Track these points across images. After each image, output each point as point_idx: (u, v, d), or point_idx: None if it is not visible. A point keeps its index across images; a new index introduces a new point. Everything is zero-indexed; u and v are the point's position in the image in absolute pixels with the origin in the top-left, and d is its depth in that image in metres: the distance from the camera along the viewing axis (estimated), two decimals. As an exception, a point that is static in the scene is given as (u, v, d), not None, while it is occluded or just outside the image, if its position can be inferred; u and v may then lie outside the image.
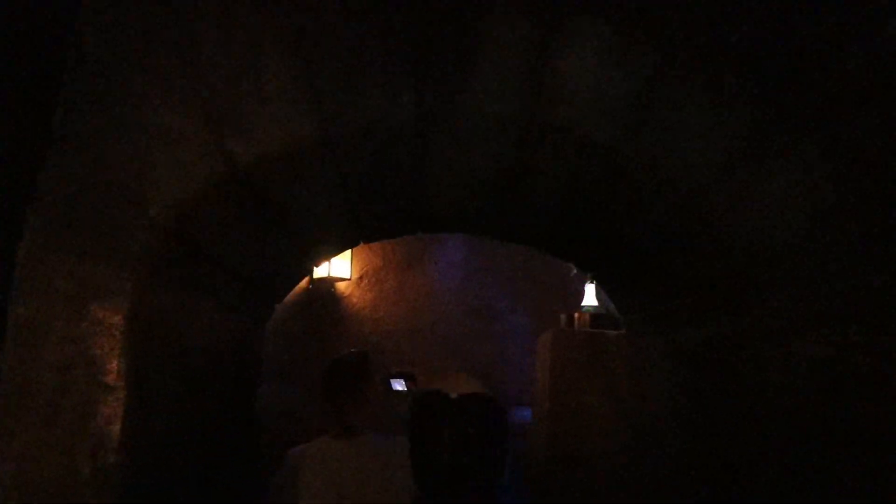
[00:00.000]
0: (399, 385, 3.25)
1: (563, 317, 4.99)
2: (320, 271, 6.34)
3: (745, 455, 2.53)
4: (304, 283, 6.43)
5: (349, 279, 6.55)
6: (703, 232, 2.36)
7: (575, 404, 4.55)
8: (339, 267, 6.35)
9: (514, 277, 7.05)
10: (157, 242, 1.94)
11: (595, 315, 4.87)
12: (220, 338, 2.77)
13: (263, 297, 3.33)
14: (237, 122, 1.95)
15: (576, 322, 4.86)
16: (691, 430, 3.04)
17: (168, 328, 2.19)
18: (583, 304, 5.02)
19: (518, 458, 4.95)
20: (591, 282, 5.03)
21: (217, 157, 1.95)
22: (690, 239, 2.48)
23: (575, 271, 5.11)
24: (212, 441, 2.70)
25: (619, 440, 4.44)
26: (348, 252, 6.47)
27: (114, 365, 1.88)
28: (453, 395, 1.94)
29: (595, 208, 2.73)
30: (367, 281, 6.74)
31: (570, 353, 4.62)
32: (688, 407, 3.07)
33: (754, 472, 2.45)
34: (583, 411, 4.54)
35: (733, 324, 2.64)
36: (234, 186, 2.09)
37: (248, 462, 3.20)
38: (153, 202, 1.90)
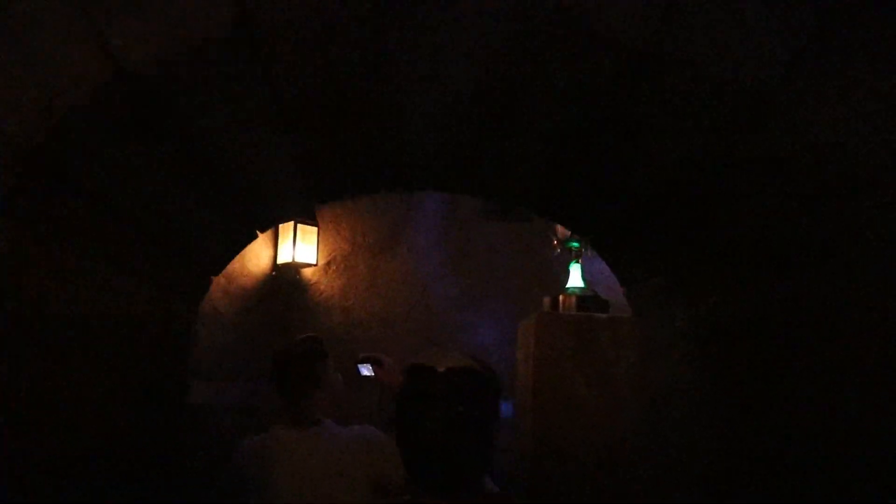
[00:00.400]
0: (366, 370, 3.16)
1: (546, 300, 4.52)
2: (284, 256, 5.84)
3: (808, 453, 2.02)
4: (265, 269, 5.92)
5: (316, 265, 6.03)
6: (757, 156, 1.86)
7: (562, 395, 4.09)
8: (304, 252, 5.85)
9: (492, 262, 6.59)
10: (12, 170, 1.43)
11: (582, 297, 4.40)
12: (123, 311, 2.27)
13: (191, 266, 2.84)
14: (125, 8, 1.44)
15: (561, 305, 4.39)
16: (720, 423, 2.54)
17: (24, 286, 1.67)
18: (567, 285, 4.54)
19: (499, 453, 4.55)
20: (577, 262, 4.55)
21: (99, 57, 1.44)
22: (739, 170, 1.98)
23: (559, 251, 4.63)
24: (110, 433, 2.21)
25: (613, 434, 3.97)
26: (314, 235, 5.97)
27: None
28: (441, 369, 1.82)
29: (606, 140, 2.23)
30: (335, 267, 6.24)
31: (556, 339, 4.16)
32: (714, 395, 2.57)
33: (820, 472, 1.96)
34: (571, 402, 4.08)
35: (804, 283, 2.11)
36: (128, 102, 1.59)
37: (170, 461, 2.81)
38: (7, 114, 1.39)
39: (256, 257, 5.83)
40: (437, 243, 6.50)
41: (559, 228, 4.58)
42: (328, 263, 6.21)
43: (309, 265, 5.98)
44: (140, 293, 2.41)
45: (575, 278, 4.56)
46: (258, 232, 3.19)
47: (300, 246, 5.81)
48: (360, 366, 3.16)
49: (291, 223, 5.79)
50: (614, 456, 4.01)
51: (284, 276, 5.99)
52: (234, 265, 5.57)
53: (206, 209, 2.54)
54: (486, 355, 6.07)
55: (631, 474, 3.88)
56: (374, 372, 3.12)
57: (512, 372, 5.02)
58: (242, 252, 5.65)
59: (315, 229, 5.99)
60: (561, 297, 4.42)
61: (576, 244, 4.55)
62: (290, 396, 2.96)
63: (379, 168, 2.84)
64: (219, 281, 5.41)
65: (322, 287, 6.19)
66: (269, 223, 3.08)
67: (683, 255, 2.68)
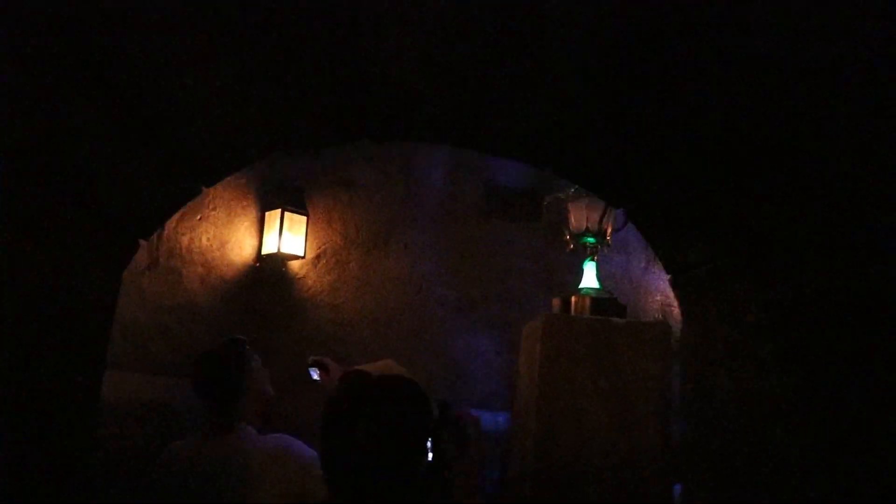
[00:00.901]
0: (315, 374, 2.88)
1: (556, 301, 4.00)
2: (269, 246, 5.32)
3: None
4: (248, 259, 5.38)
5: (303, 258, 5.50)
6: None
7: (571, 407, 3.56)
8: (291, 242, 5.33)
9: (493, 263, 6.08)
10: None
11: (597, 299, 3.88)
12: (25, 280, 1.74)
13: (114, 227, 2.31)
14: None
15: (573, 307, 3.87)
16: (824, 441, 1.97)
17: None
18: (581, 285, 4.01)
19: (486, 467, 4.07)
20: (592, 259, 4.03)
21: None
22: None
23: (572, 247, 4.10)
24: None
25: (628, 453, 3.45)
26: (302, 225, 5.46)
27: None
28: (375, 375, 1.80)
29: (652, 90, 1.71)
30: (325, 261, 5.71)
31: (567, 344, 3.64)
32: (812, 406, 2.00)
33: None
34: (581, 416, 3.55)
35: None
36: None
37: (75, 462, 2.38)
38: None
39: (239, 246, 5.29)
40: (435, 241, 5.99)
41: (573, 222, 4.06)
42: (317, 257, 5.69)
43: (296, 257, 5.46)
44: (46, 259, 1.89)
45: (589, 278, 4.04)
46: (203, 187, 2.66)
47: (287, 236, 5.29)
48: (310, 369, 2.87)
49: (278, 211, 5.28)
50: (627, 477, 3.48)
51: (269, 268, 5.46)
52: (214, 254, 5.05)
53: (137, 158, 2.03)
54: (480, 362, 5.60)
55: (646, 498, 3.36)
56: (320, 377, 2.83)
57: (511, 380, 4.50)
58: (223, 239, 5.15)
59: (304, 219, 5.47)
60: (573, 298, 3.90)
61: (591, 239, 4.04)
62: (210, 402, 2.75)
63: (354, 112, 2.31)
64: (196, 270, 4.89)
65: (310, 282, 5.66)
66: (216, 175, 2.56)
67: (755, 230, 2.14)
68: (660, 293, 6.19)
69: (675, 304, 6.31)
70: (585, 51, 1.77)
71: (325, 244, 5.73)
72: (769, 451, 2.12)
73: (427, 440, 1.76)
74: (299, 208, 5.42)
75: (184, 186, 2.52)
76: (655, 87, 1.87)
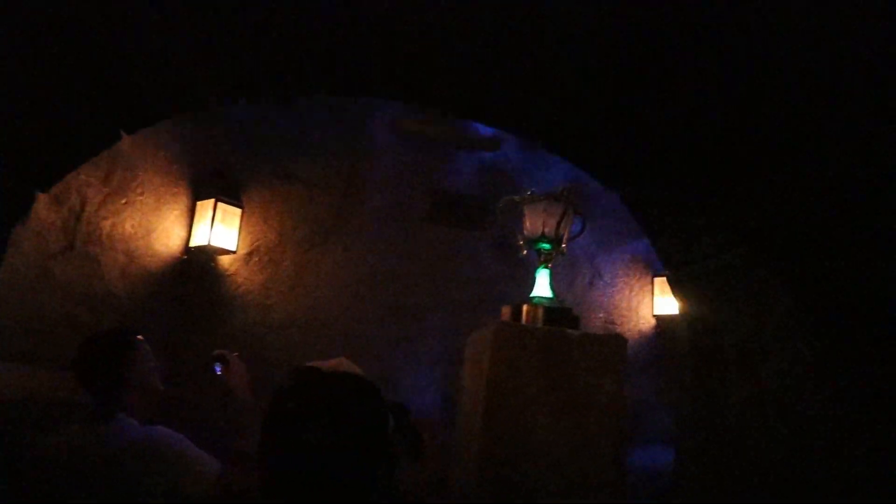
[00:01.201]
0: (218, 369, 2.73)
1: (506, 310, 3.71)
2: (199, 238, 4.94)
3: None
4: (176, 251, 4.98)
5: (235, 253, 5.12)
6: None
7: (520, 423, 3.28)
8: (222, 236, 4.96)
9: (435, 271, 5.78)
10: None
11: (550, 309, 3.61)
12: None
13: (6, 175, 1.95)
14: None
15: (524, 316, 3.58)
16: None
17: None
18: (533, 294, 3.73)
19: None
20: (546, 267, 3.76)
21: None
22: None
23: (525, 253, 3.83)
24: None
25: (579, 474, 3.17)
26: (236, 218, 5.09)
27: None
28: (326, 371, 1.62)
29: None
30: (258, 259, 5.34)
31: (517, 356, 3.35)
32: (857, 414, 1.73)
33: None
34: (531, 433, 3.26)
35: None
36: None
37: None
38: None
39: (166, 236, 4.88)
40: (376, 245, 5.67)
41: (528, 226, 3.79)
42: (250, 253, 5.31)
43: (227, 252, 5.09)
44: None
45: (542, 286, 3.76)
46: (123, 132, 2.29)
47: (219, 228, 4.91)
48: (214, 364, 2.72)
49: (211, 201, 4.90)
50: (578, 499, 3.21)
51: (197, 262, 5.07)
52: (139, 242, 4.64)
53: (58, 90, 1.67)
54: (420, 375, 5.28)
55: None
56: (222, 371, 2.69)
57: (452, 393, 4.20)
58: (150, 227, 4.73)
59: (239, 212, 5.10)
60: (525, 307, 3.61)
61: (547, 245, 3.76)
62: (88, 388, 2.59)
63: (330, 62, 1.99)
64: (116, 258, 4.48)
65: (240, 279, 5.28)
66: (149, 119, 2.21)
67: (779, 216, 1.87)
68: (603, 310, 5.97)
69: (618, 322, 6.12)
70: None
71: (259, 240, 5.36)
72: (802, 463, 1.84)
73: (380, 443, 1.63)
74: (234, 200, 5.06)
75: (103, 130, 2.15)
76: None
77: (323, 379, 1.62)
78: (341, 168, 5.67)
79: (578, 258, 6.02)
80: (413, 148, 5.95)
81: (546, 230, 3.74)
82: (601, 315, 6.01)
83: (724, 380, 2.21)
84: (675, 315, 5.43)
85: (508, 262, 5.95)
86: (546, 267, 3.79)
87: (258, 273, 5.34)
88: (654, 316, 5.55)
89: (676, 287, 2.65)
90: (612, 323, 6.04)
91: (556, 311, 3.60)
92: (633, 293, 5.89)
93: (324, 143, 5.65)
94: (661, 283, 5.67)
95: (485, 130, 6.08)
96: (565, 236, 3.80)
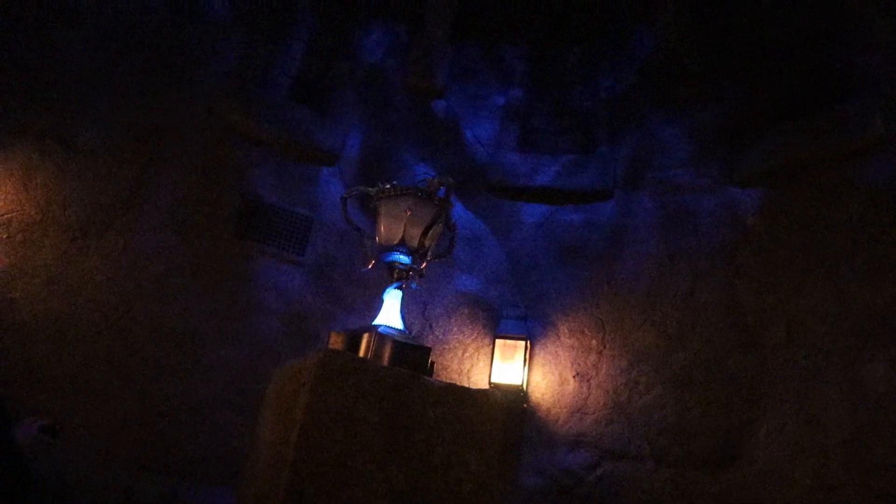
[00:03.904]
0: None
1: (336, 337, 2.47)
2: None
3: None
4: None
5: (-30, 219, 3.60)
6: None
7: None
8: (-47, 191, 3.40)
9: (234, 295, 4.44)
10: None
11: (401, 344, 2.40)
12: None
13: None
14: None
15: (364, 348, 2.34)
16: None
17: None
18: (377, 321, 2.50)
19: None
20: (399, 288, 2.55)
21: None
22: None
23: (371, 266, 2.62)
24: None
25: None
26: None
27: None
28: None
29: None
30: (6, 235, 3.82)
31: (350, 405, 2.09)
32: None
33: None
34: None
35: None
36: None
37: None
38: None
39: None
40: (166, 251, 4.27)
41: (382, 229, 2.59)
42: (-5, 226, 3.77)
43: (-42, 215, 3.53)
44: None
45: (391, 312, 2.56)
46: None
47: (-50, 181, 3.37)
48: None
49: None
50: None
51: None
52: None
53: None
54: (196, 417, 3.87)
55: None
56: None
57: (243, 447, 2.87)
58: None
59: (-14, 165, 3.57)
60: (366, 336, 2.37)
61: (404, 259, 2.57)
62: None
63: None
64: None
65: (-27, 258, 3.71)
66: None
67: None
68: (468, 355, 4.74)
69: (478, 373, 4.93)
70: None
71: (11, 212, 3.84)
72: None
73: None
74: (-20, 146, 3.54)
75: None
76: None
77: None
78: (139, 146, 4.25)
79: (439, 283, 4.85)
80: (230, 141, 4.62)
81: (407, 238, 2.55)
82: (467, 359, 4.82)
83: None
84: (519, 385, 4.46)
85: (326, 297, 4.69)
86: (400, 288, 2.59)
87: (3, 254, 3.79)
88: (491, 384, 4.43)
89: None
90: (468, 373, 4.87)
91: (409, 349, 2.40)
92: (467, 354, 4.76)
93: (122, 109, 4.23)
94: (503, 345, 4.57)
95: (330, 143, 4.86)
96: (431, 250, 2.62)
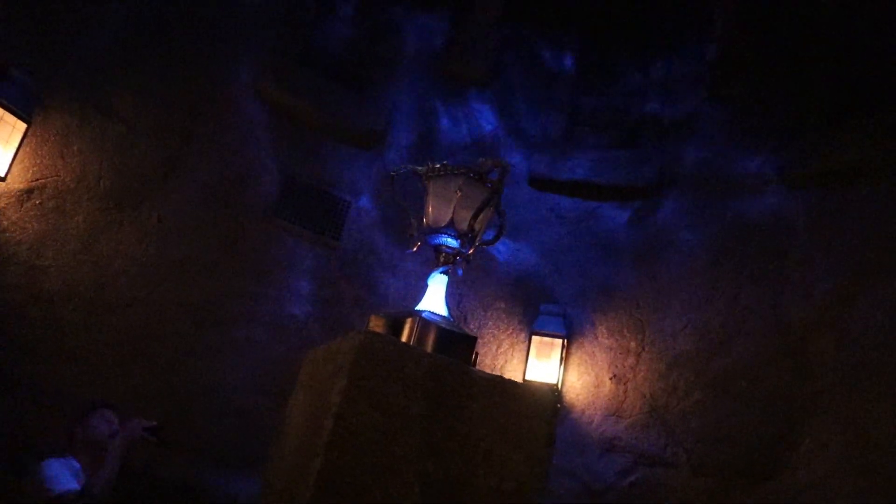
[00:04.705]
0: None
1: (377, 321, 2.30)
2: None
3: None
4: None
5: (3, 181, 3.46)
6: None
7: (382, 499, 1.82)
8: (-11, 152, 3.30)
9: (266, 276, 4.30)
10: None
11: (447, 332, 2.23)
12: None
13: None
14: None
15: (407, 334, 2.17)
16: None
17: None
18: (420, 306, 2.34)
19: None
20: (445, 272, 2.38)
21: None
22: None
23: (415, 249, 2.46)
24: None
25: None
26: (17, 137, 3.44)
27: None
28: None
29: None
30: (39, 201, 3.73)
31: (392, 391, 1.93)
32: None
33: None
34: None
35: None
36: None
37: None
38: None
39: None
40: (199, 226, 4.15)
41: (430, 210, 2.41)
42: (29, 191, 3.69)
43: (-9, 178, 3.42)
44: None
45: (435, 298, 2.39)
46: None
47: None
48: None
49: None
50: None
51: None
52: None
53: None
54: (220, 401, 3.70)
55: None
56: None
57: (270, 434, 2.74)
58: None
59: (22, 127, 3.46)
60: (409, 321, 2.20)
61: (452, 242, 2.39)
62: None
63: None
64: None
65: (5, 221, 3.59)
66: None
67: None
68: (502, 350, 4.55)
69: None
70: None
71: (46, 177, 3.73)
72: None
73: None
74: (18, 108, 3.40)
75: None
76: None
77: None
78: (178, 119, 4.12)
79: (478, 275, 4.68)
80: (270, 118, 4.49)
81: (456, 220, 2.38)
82: (501, 355, 4.64)
83: None
84: (554, 385, 4.27)
85: (359, 283, 4.54)
86: (446, 273, 2.42)
87: (35, 220, 3.70)
88: (525, 381, 4.25)
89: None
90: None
91: (454, 337, 2.23)
92: (501, 350, 4.58)
93: (164, 82, 4.10)
94: (539, 342, 4.39)
95: (370, 125, 4.71)
96: (480, 235, 2.45)
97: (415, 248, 2.50)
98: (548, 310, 4.52)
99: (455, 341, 2.21)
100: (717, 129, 4.71)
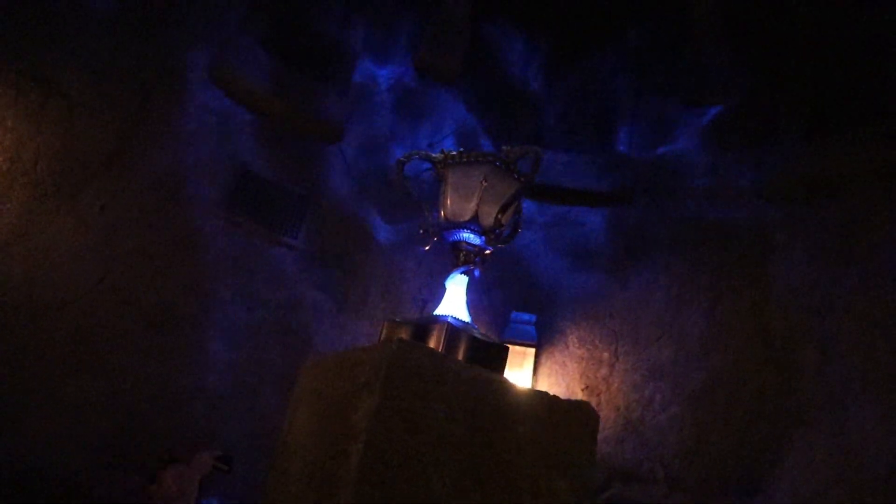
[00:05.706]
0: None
1: (394, 325, 1.97)
2: None
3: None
4: None
5: None
6: None
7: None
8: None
9: (219, 274, 3.90)
10: None
11: (477, 340, 1.91)
12: None
13: None
14: None
15: (434, 342, 1.85)
16: None
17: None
18: (441, 311, 2.02)
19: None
20: (465, 273, 2.07)
21: None
22: None
23: (431, 243, 2.14)
24: None
25: None
26: None
27: None
28: None
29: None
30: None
31: (428, 410, 1.59)
32: None
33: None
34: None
35: None
36: None
37: None
38: None
39: None
40: (147, 217, 3.71)
41: (448, 203, 2.10)
42: None
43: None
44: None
45: (456, 302, 2.07)
46: None
47: None
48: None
49: None
50: None
51: None
52: None
53: None
54: (202, 401, 3.20)
55: None
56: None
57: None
58: None
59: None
60: (436, 329, 1.88)
61: (473, 238, 2.08)
62: None
63: None
64: None
65: None
66: None
67: None
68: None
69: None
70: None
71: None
72: None
73: None
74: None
75: None
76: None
77: None
78: (128, 99, 3.68)
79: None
80: (226, 106, 4.09)
81: (481, 214, 2.08)
82: None
83: None
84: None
85: (321, 286, 4.18)
86: (467, 273, 2.11)
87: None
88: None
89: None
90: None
91: (486, 347, 1.92)
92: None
93: (114, 58, 3.66)
94: (511, 352, 4.10)
95: (333, 116, 4.34)
96: (504, 231, 2.16)
97: (429, 245, 2.18)
98: (518, 318, 4.25)
99: (487, 351, 1.91)
100: (693, 140, 4.55)
